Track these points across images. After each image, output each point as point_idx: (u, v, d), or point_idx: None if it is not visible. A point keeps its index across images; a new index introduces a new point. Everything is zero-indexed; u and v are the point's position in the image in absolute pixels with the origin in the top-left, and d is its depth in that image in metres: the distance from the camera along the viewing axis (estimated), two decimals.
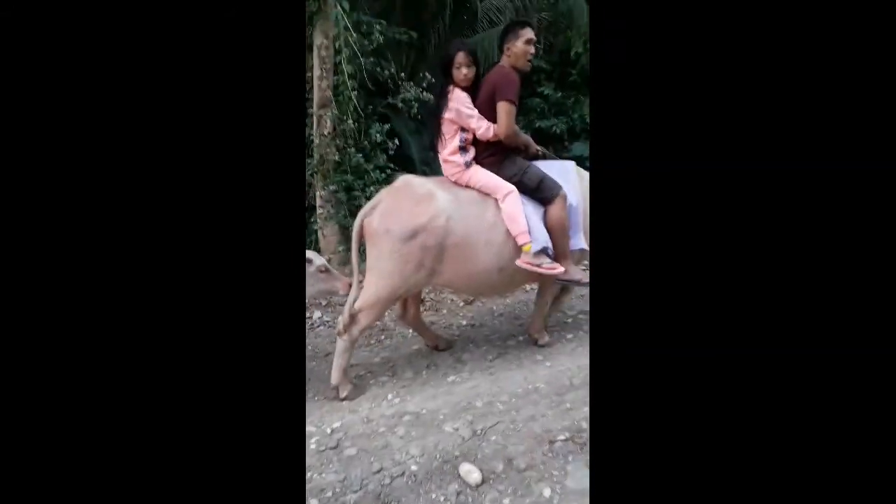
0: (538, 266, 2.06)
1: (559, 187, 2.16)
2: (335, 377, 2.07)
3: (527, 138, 2.31)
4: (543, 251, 2.08)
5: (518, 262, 2.08)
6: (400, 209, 2.03)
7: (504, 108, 2.06)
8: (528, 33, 2.12)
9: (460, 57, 2.13)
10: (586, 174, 2.43)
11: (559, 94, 5.67)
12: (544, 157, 2.38)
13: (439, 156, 2.20)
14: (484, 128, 2.11)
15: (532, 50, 2.14)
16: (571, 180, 2.25)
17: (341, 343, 2.07)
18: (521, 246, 2.07)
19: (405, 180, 2.16)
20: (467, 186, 2.15)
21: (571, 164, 2.38)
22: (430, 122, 2.29)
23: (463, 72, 2.10)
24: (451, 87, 2.11)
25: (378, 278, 2.04)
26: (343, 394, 2.07)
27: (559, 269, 2.08)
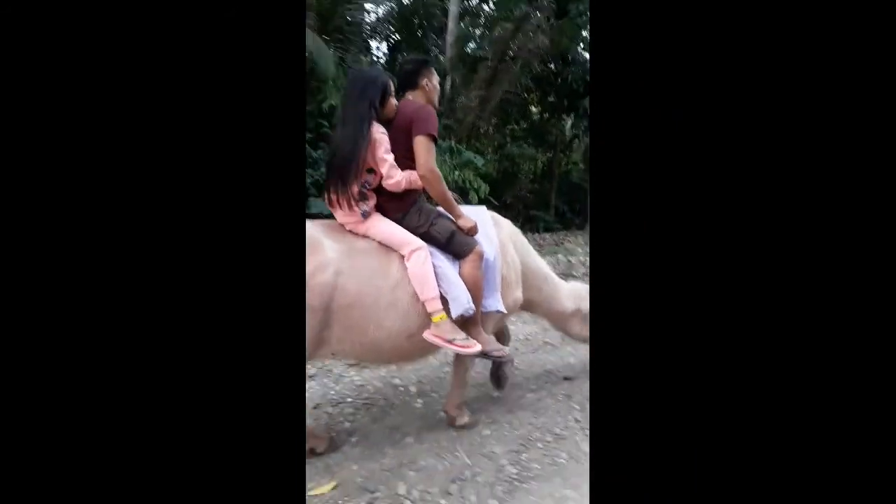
0: (450, 342, 1.71)
1: (474, 241, 1.82)
2: None
3: (444, 188, 1.81)
4: (462, 315, 1.74)
5: (426, 335, 1.71)
6: None
7: (423, 143, 1.72)
8: (436, 73, 1.95)
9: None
10: (506, 222, 2.14)
11: None
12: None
13: (330, 199, 1.75)
14: (395, 179, 1.72)
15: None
16: (487, 231, 1.92)
17: None
18: (430, 314, 1.70)
19: None
20: (364, 237, 1.76)
21: (484, 210, 2.03)
22: (338, 156, 1.72)
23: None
24: (373, 117, 1.71)
25: None
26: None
27: (475, 347, 1.74)
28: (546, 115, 7.92)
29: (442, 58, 6.61)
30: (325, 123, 4.73)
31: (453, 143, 5.76)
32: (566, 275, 4.37)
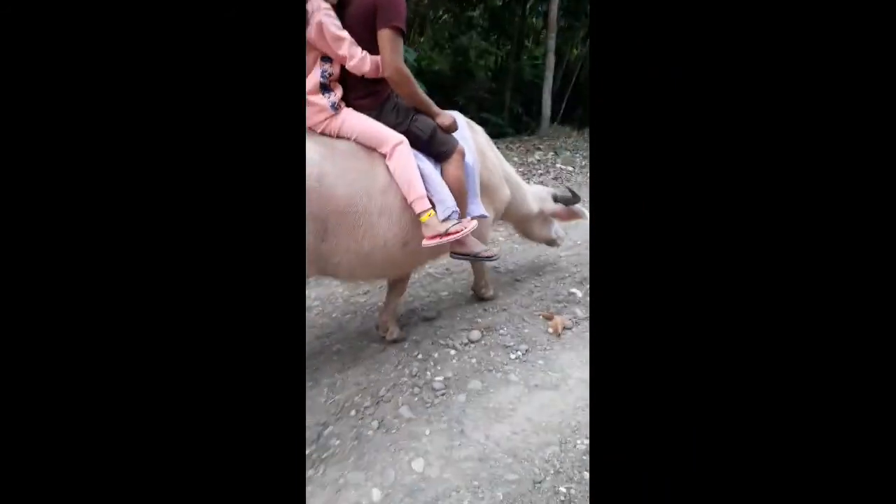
0: (446, 234, 1.60)
1: (455, 140, 1.73)
2: None
3: (416, 88, 1.66)
4: (450, 217, 1.64)
5: (425, 243, 1.62)
6: None
7: (389, 37, 1.50)
8: None
9: None
10: (479, 128, 2.07)
11: None
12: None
13: None
14: (358, 57, 1.52)
15: None
16: (464, 134, 1.83)
17: None
18: (419, 215, 1.59)
19: None
20: (339, 137, 1.60)
21: (458, 114, 1.92)
22: None
23: None
24: None
25: None
26: None
27: (472, 224, 1.66)
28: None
29: None
30: None
31: None
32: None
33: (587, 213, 2.44)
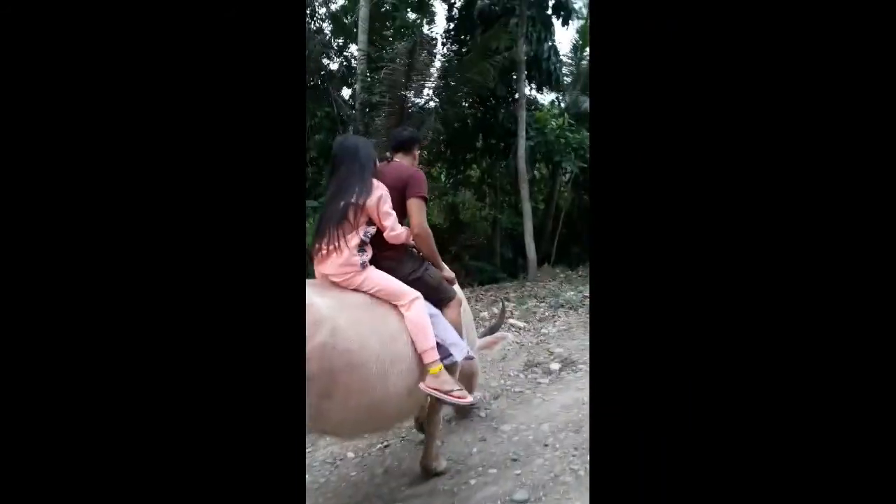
0: (448, 393, 1.68)
1: (453, 290, 1.97)
2: None
3: (434, 245, 1.95)
4: (466, 359, 1.83)
5: (422, 387, 1.68)
6: None
7: (418, 205, 1.87)
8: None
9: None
10: None
11: None
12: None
13: (322, 251, 1.70)
14: (399, 231, 1.79)
15: None
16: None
17: None
18: (428, 366, 1.68)
19: None
20: (355, 290, 1.72)
21: None
22: (336, 207, 1.71)
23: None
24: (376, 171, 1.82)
25: None
26: None
27: (469, 398, 1.77)
28: (488, 159, 7.84)
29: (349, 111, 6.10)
30: None
31: None
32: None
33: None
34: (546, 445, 2.25)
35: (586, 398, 2.65)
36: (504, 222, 7.95)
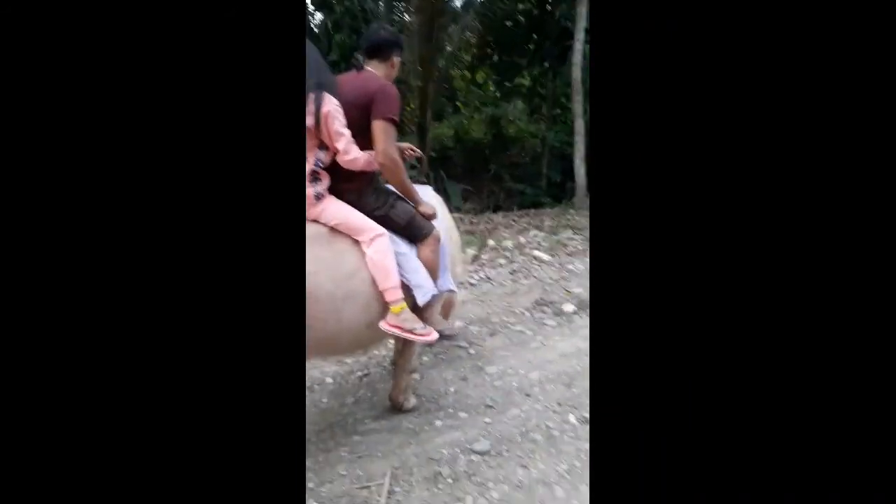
0: (410, 332, 1.64)
1: (431, 225, 1.76)
2: None
3: (404, 176, 1.73)
4: (431, 301, 1.71)
5: (383, 325, 1.64)
6: None
7: (383, 128, 1.60)
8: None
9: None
10: (442, 201, 2.08)
11: None
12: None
13: None
14: (352, 155, 1.58)
15: None
16: (440, 214, 1.85)
17: None
18: (390, 304, 1.62)
19: None
20: (314, 221, 1.62)
21: (430, 189, 1.99)
22: None
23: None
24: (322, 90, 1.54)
25: None
26: None
27: (434, 335, 1.70)
28: (540, 66, 6.92)
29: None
30: None
31: None
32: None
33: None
34: (528, 395, 2.07)
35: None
36: (553, 140, 7.23)
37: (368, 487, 1.58)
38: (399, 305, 1.62)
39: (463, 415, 1.96)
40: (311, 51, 1.56)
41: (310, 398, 2.15)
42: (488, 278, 3.33)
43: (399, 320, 1.63)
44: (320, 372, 2.35)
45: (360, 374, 2.33)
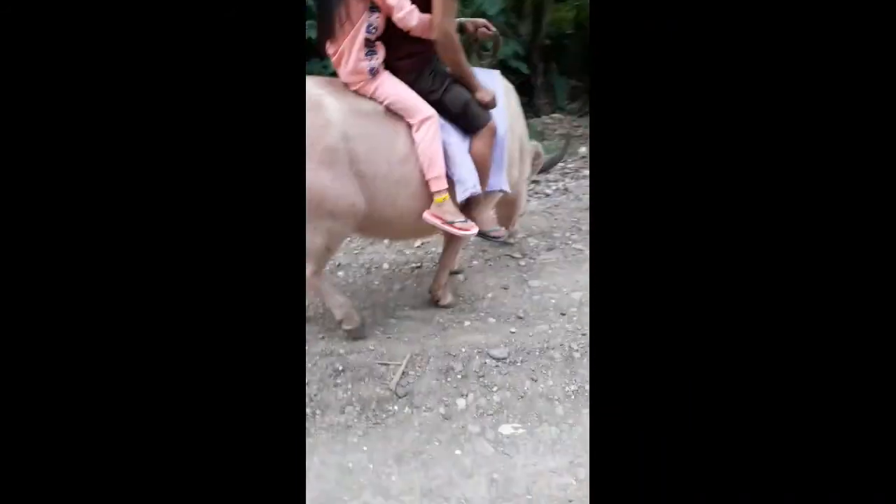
0: (450, 224, 1.62)
1: (488, 115, 1.63)
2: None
3: (461, 56, 1.58)
4: (469, 199, 1.65)
5: (426, 215, 1.63)
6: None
7: (444, 2, 1.45)
8: None
9: None
10: (510, 86, 1.87)
11: None
12: None
13: (329, 50, 1.54)
14: (407, 10, 1.45)
15: None
16: (501, 104, 1.68)
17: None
18: (434, 194, 1.60)
19: None
20: (371, 98, 1.57)
21: (497, 74, 1.80)
22: None
23: None
24: None
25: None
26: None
27: (473, 230, 1.67)
28: None
29: None
30: None
31: None
32: None
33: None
34: (563, 314, 2.07)
35: None
36: None
37: (387, 365, 1.80)
38: (442, 196, 1.61)
39: (492, 321, 2.05)
40: None
41: (364, 278, 2.38)
42: (566, 190, 3.15)
43: (440, 211, 1.62)
44: (380, 257, 2.56)
45: (413, 265, 2.49)
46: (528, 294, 2.21)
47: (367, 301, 2.20)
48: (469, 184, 1.63)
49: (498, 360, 1.82)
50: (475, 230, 1.69)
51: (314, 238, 1.57)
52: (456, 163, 1.62)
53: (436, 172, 1.57)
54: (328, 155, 1.46)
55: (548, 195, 3.12)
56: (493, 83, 1.74)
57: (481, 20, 1.84)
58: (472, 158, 1.64)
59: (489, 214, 1.84)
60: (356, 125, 1.51)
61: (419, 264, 2.50)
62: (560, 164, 2.99)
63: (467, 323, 2.04)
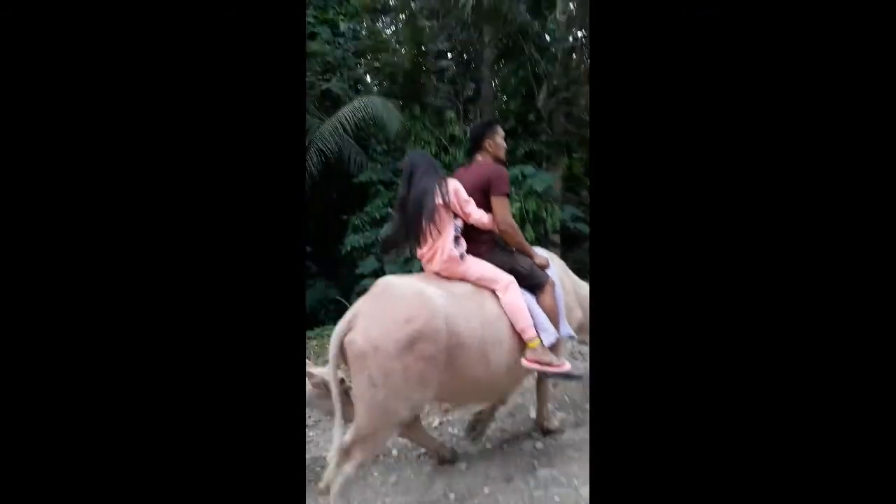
0: (548, 365, 1.89)
1: (546, 275, 2.09)
2: None
3: (522, 238, 2.14)
4: (553, 344, 1.96)
5: (524, 362, 1.91)
6: (386, 318, 1.68)
7: (502, 203, 2.04)
8: (500, 130, 2.23)
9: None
10: (557, 258, 2.41)
11: None
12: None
13: (421, 250, 2.00)
14: (478, 214, 2.00)
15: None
16: (551, 267, 2.17)
17: (337, 484, 1.70)
18: (528, 342, 1.90)
19: (385, 283, 1.83)
20: (460, 280, 1.97)
21: (543, 250, 2.33)
22: (414, 209, 1.93)
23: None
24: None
25: (371, 406, 1.67)
26: None
27: (567, 365, 1.94)
28: None
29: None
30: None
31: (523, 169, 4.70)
32: None
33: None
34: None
35: None
36: None
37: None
38: (535, 341, 1.89)
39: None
40: (424, 155, 2.18)
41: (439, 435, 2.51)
42: None
43: (537, 355, 1.90)
44: (446, 417, 2.64)
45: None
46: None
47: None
48: (551, 329, 1.95)
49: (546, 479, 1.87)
50: (567, 366, 1.95)
51: (399, 408, 1.73)
52: (536, 315, 1.95)
53: (527, 322, 1.89)
54: (435, 337, 1.69)
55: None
56: (542, 252, 2.26)
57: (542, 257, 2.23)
58: (543, 311, 1.99)
59: (564, 358, 2.07)
60: (454, 306, 1.80)
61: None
62: None
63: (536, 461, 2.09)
